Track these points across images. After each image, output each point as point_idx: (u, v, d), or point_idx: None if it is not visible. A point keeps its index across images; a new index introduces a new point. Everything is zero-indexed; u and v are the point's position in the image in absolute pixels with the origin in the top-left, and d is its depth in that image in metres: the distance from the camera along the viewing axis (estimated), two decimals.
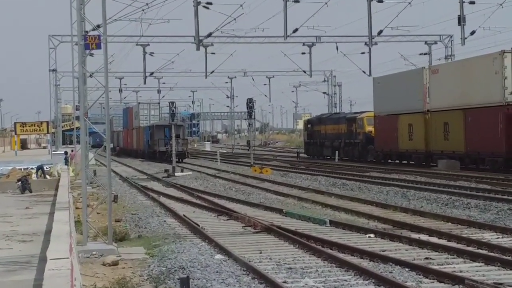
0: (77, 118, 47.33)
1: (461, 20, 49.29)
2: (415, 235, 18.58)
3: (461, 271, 14.09)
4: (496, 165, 38.58)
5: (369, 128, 54.49)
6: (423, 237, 18.38)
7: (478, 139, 39.73)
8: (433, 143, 44.57)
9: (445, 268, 14.47)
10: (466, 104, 41.04)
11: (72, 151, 50.45)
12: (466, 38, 51.01)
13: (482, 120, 39.42)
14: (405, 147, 48.27)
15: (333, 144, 60.70)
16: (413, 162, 47.86)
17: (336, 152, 57.97)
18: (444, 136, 43.20)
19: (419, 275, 13.90)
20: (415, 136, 46.91)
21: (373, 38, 54.68)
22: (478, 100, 39.87)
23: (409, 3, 48.96)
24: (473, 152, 40.59)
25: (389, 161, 51.69)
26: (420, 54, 67.51)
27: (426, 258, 15.62)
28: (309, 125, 68.00)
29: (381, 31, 54.36)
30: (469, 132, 40.58)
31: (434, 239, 17.95)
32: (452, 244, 17.19)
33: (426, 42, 66.59)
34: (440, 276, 13.57)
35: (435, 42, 66.65)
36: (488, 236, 18.51)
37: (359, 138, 55.98)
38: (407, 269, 14.33)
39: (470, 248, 16.48)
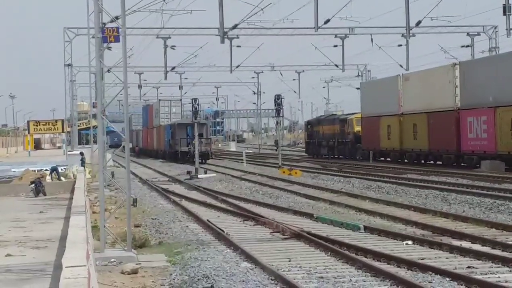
0: (94, 116, 47.63)
1: (506, 9, 48.99)
2: (456, 242, 18.50)
3: (506, 281, 14.03)
4: (449, 161, 47.86)
5: (358, 128, 62.75)
6: (465, 244, 18.30)
7: (438, 138, 48.81)
8: (405, 142, 53.73)
9: (489, 277, 14.41)
10: (429, 109, 50.12)
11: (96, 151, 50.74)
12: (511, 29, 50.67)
13: (440, 122, 48.48)
14: (385, 146, 57.28)
15: (328, 143, 68.49)
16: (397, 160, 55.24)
17: (371, 153, 58.58)
18: (413, 136, 52.23)
19: (461, 285, 13.86)
20: (392, 136, 55.88)
21: (411, 29, 54.55)
22: (437, 105, 49.03)
23: None
24: (434, 149, 49.81)
25: (376, 158, 58.66)
26: (462, 46, 67.28)
27: (469, 267, 15.56)
28: (309, 126, 76.06)
29: (419, 22, 54.20)
30: (431, 132, 49.59)
31: (477, 247, 17.87)
32: (497, 252, 17.12)
33: (468, 34, 66.23)
34: (484, 286, 13.53)
35: (478, 34, 66.31)
36: None
37: (349, 137, 64.32)
38: (448, 279, 14.29)
39: None
